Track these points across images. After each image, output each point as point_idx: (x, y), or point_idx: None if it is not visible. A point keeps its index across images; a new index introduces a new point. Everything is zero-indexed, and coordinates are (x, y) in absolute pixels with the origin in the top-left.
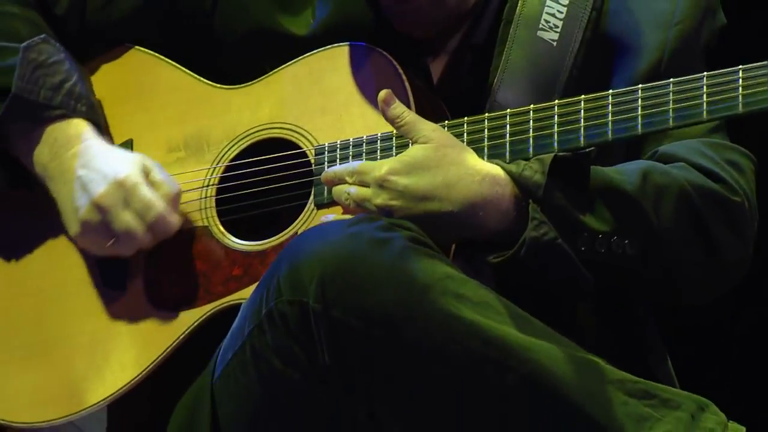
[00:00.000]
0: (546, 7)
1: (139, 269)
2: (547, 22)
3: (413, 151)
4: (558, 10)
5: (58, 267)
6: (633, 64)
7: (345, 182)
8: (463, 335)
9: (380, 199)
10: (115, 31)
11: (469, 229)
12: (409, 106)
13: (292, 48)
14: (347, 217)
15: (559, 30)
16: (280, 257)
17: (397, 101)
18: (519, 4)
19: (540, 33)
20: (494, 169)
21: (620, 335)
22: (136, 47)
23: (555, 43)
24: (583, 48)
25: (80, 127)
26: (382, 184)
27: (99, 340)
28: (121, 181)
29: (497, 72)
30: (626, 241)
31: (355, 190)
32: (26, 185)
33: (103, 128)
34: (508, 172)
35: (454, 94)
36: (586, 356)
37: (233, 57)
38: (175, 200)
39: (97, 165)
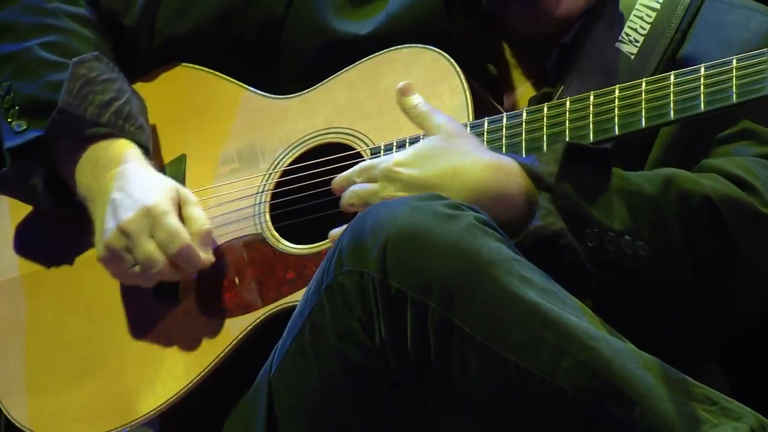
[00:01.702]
0: (629, 21)
1: (191, 282)
2: (628, 35)
3: (422, 142)
4: (641, 26)
5: (108, 283)
6: None
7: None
8: (523, 314)
9: (387, 191)
10: (183, 44)
11: None
12: (466, 108)
13: (357, 51)
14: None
15: (638, 45)
16: (344, 231)
17: (415, 93)
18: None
19: (619, 45)
20: (500, 158)
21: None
22: (186, 64)
23: (632, 57)
24: (662, 66)
25: (124, 147)
26: (389, 176)
27: (150, 352)
28: (149, 208)
29: (567, 76)
30: (639, 243)
31: (361, 187)
32: (70, 208)
33: (150, 151)
34: (520, 164)
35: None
36: (648, 356)
37: (298, 69)
38: (205, 237)
39: (130, 189)
